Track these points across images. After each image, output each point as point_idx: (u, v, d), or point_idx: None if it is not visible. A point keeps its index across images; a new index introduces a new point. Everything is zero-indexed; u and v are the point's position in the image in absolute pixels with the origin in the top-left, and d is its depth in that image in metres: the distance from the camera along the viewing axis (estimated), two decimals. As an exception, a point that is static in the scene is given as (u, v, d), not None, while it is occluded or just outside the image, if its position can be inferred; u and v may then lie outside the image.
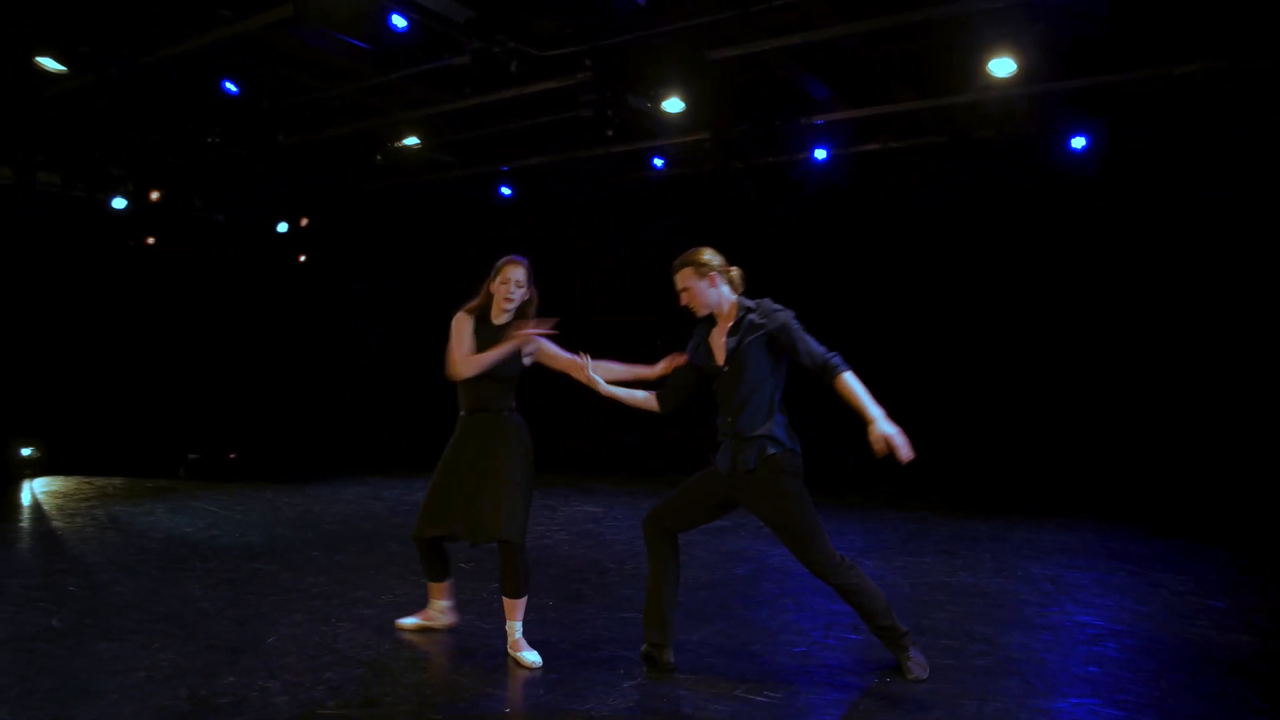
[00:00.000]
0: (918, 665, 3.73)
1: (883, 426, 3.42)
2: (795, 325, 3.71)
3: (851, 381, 3.55)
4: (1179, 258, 8.32)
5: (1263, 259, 7.98)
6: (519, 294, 4.15)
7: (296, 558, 5.98)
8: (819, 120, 8.66)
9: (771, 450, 3.67)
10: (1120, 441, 8.27)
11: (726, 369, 3.76)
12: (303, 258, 10.85)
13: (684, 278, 3.83)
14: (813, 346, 3.66)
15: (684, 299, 3.86)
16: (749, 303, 3.81)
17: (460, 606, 4.79)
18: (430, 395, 11.29)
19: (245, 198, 9.90)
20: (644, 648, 3.90)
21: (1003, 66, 6.73)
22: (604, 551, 6.24)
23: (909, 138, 8.73)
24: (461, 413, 4.22)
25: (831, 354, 3.62)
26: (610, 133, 8.44)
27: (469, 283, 4.29)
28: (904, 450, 3.39)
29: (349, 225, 10.69)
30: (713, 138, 8.94)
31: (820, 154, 9.01)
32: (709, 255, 3.83)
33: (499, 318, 4.18)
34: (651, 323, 10.52)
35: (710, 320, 3.89)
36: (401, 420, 11.31)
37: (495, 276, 4.18)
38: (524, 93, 8.13)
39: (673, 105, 7.90)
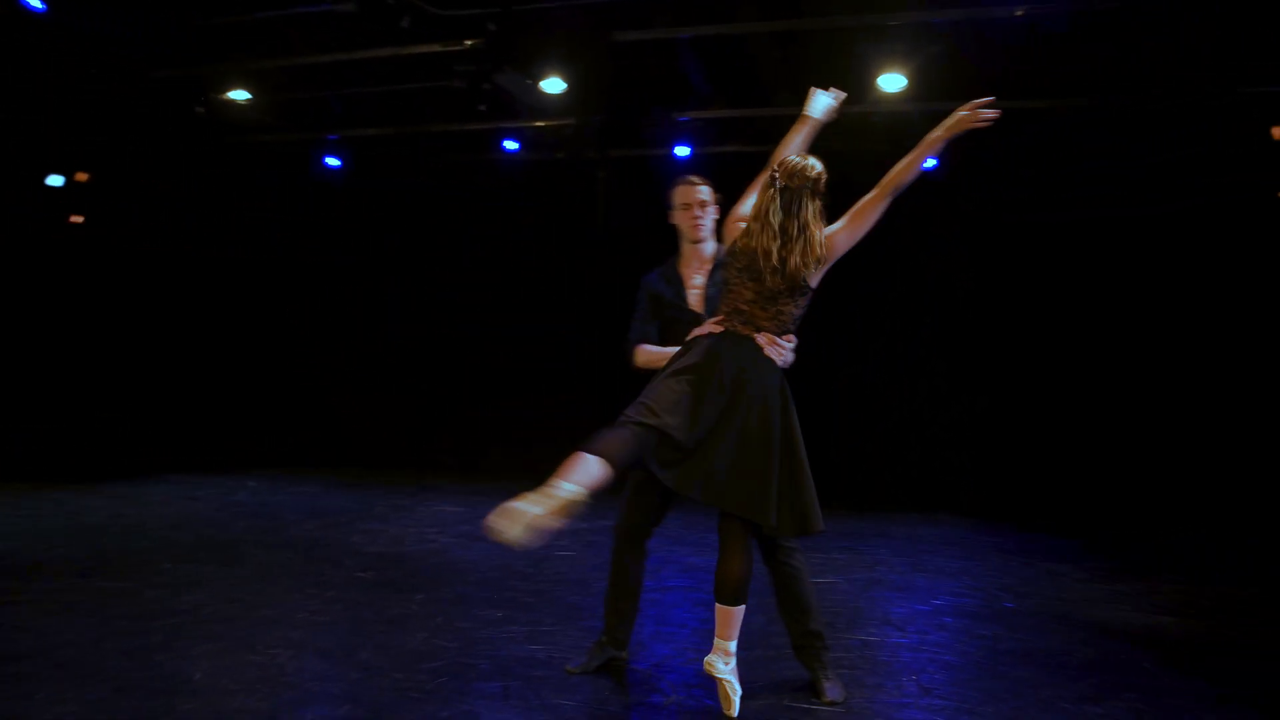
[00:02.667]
0: (834, 687, 3.39)
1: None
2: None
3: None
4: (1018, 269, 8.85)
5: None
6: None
7: (145, 572, 4.98)
8: (683, 117, 8.62)
9: None
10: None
11: (700, 314, 3.57)
12: (78, 219, 9.16)
13: (714, 195, 3.66)
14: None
15: (699, 214, 3.64)
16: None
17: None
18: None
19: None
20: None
21: (893, 82, 7.03)
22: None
23: (766, 143, 8.88)
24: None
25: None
26: (483, 108, 7.94)
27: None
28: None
29: (154, 183, 9.20)
30: (578, 124, 8.63)
31: (683, 151, 8.94)
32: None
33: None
34: (499, 314, 10.10)
35: (673, 263, 3.71)
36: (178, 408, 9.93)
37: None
38: (379, 55, 7.43)
39: (553, 85, 7.52)
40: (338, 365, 10.38)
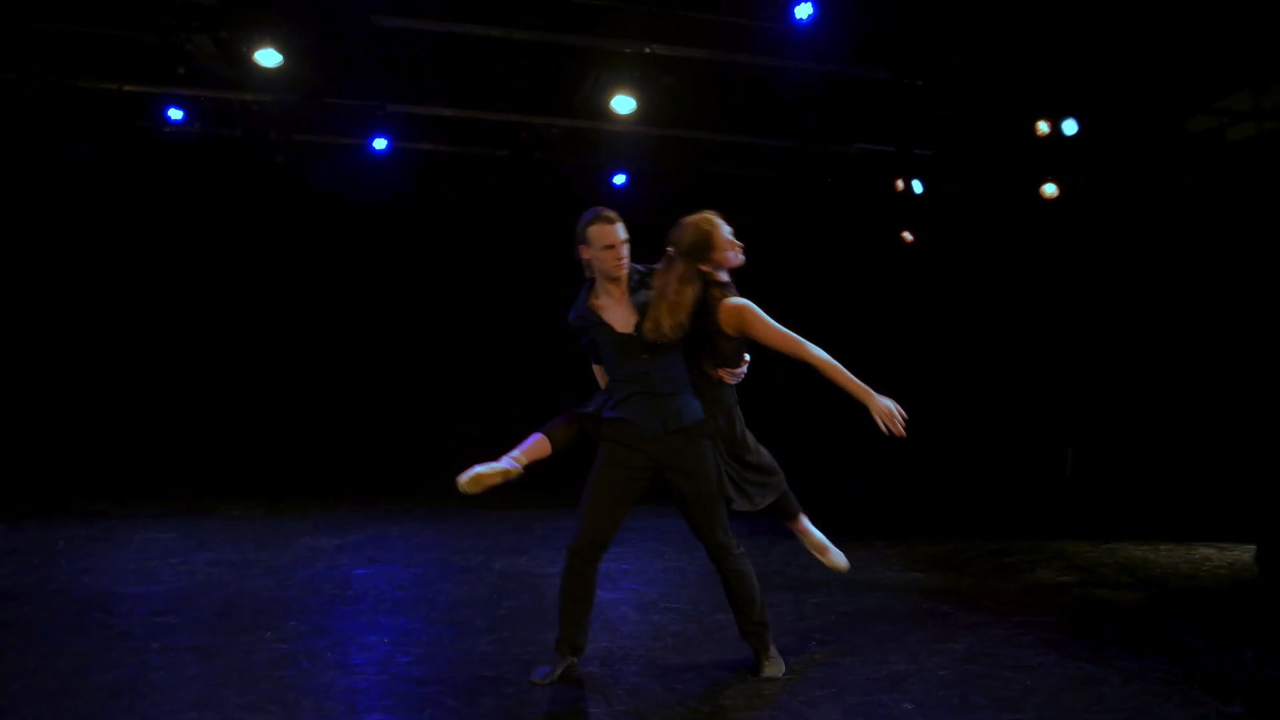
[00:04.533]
0: (773, 665, 3.78)
1: None
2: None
3: None
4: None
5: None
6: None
7: None
8: (392, 109, 8.30)
9: (696, 415, 3.64)
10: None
11: (635, 334, 3.59)
12: None
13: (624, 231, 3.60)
14: None
15: (623, 253, 3.58)
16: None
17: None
18: None
19: None
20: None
21: (624, 104, 7.55)
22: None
23: (472, 144, 8.89)
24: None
25: None
26: (182, 70, 6.98)
27: None
28: None
29: None
30: (271, 101, 7.85)
31: (380, 144, 8.56)
32: None
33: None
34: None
35: (588, 289, 3.70)
36: None
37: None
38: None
39: (268, 58, 6.85)
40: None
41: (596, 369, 3.89)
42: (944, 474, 9.13)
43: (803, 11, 5.73)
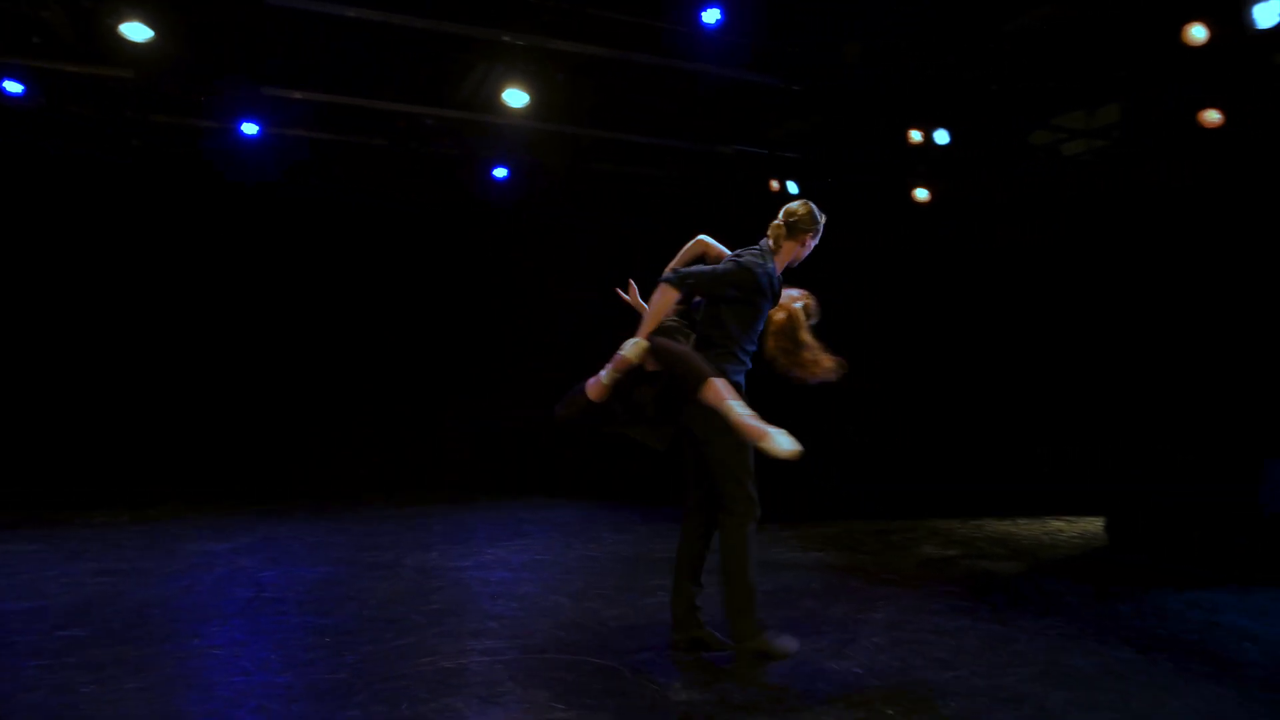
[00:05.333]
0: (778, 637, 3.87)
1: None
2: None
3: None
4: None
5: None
6: None
7: None
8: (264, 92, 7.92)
9: None
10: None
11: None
12: None
13: None
14: None
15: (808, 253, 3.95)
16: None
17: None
18: None
19: None
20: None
21: (516, 98, 7.52)
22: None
23: (343, 132, 8.58)
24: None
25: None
26: (37, 40, 6.46)
27: None
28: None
29: None
30: (136, 77, 7.31)
31: (250, 129, 8.14)
32: None
33: None
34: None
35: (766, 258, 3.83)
36: None
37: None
38: None
39: (136, 31, 6.46)
40: None
41: (669, 300, 3.73)
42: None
43: (710, 16, 5.92)
